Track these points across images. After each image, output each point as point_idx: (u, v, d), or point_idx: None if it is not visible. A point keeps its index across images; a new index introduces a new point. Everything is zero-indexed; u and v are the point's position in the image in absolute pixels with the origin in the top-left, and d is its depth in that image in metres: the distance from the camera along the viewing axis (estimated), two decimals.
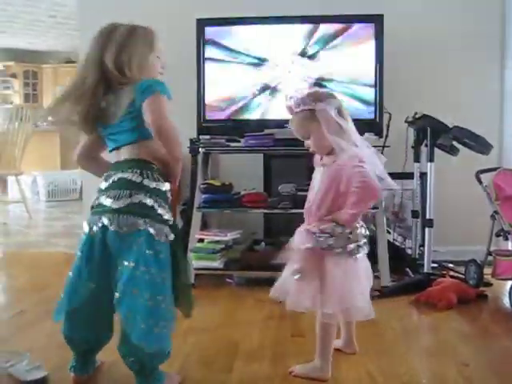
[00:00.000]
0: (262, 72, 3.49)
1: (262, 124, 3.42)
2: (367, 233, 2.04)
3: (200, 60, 3.49)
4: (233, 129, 3.45)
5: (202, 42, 3.48)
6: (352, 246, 1.95)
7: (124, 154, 1.83)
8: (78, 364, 1.94)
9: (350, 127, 2.00)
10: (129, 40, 1.84)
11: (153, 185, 1.79)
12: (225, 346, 2.30)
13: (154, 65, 1.90)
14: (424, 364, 2.17)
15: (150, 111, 1.74)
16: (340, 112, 1.98)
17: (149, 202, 1.77)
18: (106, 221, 1.76)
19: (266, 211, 3.45)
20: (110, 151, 1.89)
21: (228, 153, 3.59)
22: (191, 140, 3.50)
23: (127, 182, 1.77)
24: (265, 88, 3.49)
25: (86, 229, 1.84)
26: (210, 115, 3.51)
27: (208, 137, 3.44)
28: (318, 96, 1.99)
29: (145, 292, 1.73)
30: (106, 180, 1.84)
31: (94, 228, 1.80)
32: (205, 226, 3.53)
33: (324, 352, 1.99)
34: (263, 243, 3.47)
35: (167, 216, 1.82)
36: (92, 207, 1.85)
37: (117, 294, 1.75)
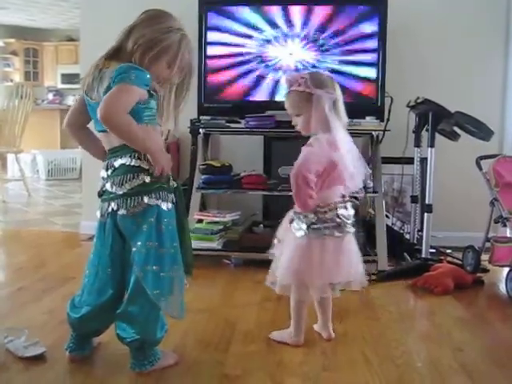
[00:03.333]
0: (264, 53, 3.46)
1: (263, 105, 3.40)
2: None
3: (202, 41, 3.47)
4: (234, 110, 3.44)
5: (204, 22, 3.46)
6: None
7: (114, 138, 1.81)
8: (74, 345, 1.96)
9: (338, 124, 2.04)
10: (161, 33, 1.82)
11: (149, 165, 1.81)
12: (222, 327, 2.31)
13: (160, 67, 1.84)
14: (419, 348, 2.18)
15: (105, 96, 1.70)
16: (335, 105, 2.04)
17: (150, 179, 1.81)
18: (114, 206, 1.82)
19: (265, 193, 3.45)
20: (98, 131, 1.88)
21: (228, 134, 3.58)
22: (191, 120, 3.49)
23: (127, 167, 1.80)
24: (266, 69, 3.47)
25: (98, 215, 1.90)
26: (210, 95, 3.50)
27: (208, 117, 3.43)
28: (320, 82, 2.04)
29: (165, 266, 1.82)
30: (106, 169, 1.86)
31: (105, 214, 1.86)
32: (204, 206, 3.53)
33: (294, 321, 2.12)
34: (262, 225, 3.48)
35: (169, 183, 1.87)
36: (100, 195, 1.89)
37: (141, 274, 1.80)
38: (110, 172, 1.84)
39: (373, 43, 3.39)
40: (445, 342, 2.19)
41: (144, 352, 1.86)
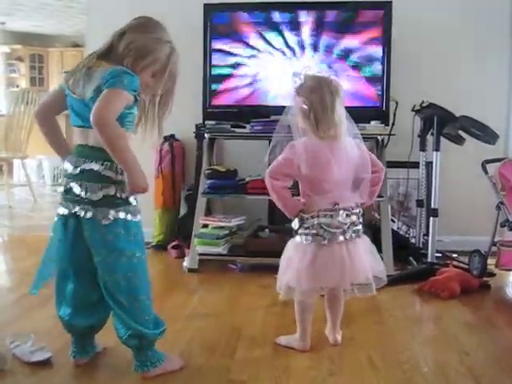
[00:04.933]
0: (269, 59, 3.47)
1: (268, 110, 3.40)
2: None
3: (206, 46, 3.48)
4: (239, 115, 3.44)
5: (208, 27, 3.47)
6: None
7: (92, 138, 1.79)
8: (77, 349, 1.97)
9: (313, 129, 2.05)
10: (153, 43, 1.83)
11: (120, 177, 1.79)
12: (227, 332, 2.31)
13: (146, 75, 1.84)
14: (425, 352, 2.17)
15: (99, 100, 1.68)
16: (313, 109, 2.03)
17: (119, 194, 1.80)
18: (80, 211, 1.80)
19: (270, 198, 3.43)
20: (75, 125, 1.85)
21: (233, 138, 3.58)
22: (197, 125, 3.49)
23: (97, 176, 1.78)
24: (272, 73, 3.47)
25: (60, 212, 1.87)
26: (215, 100, 3.51)
27: (213, 122, 3.43)
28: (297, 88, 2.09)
29: (138, 272, 1.84)
30: (74, 165, 1.82)
31: (68, 214, 1.84)
32: (209, 211, 3.54)
33: (299, 325, 2.13)
34: (267, 230, 3.48)
35: (135, 200, 1.86)
36: (64, 191, 1.86)
37: (110, 282, 1.81)
38: (77, 171, 1.80)
39: (378, 48, 3.39)
40: (451, 347, 2.18)
41: (145, 352, 1.87)
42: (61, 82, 1.89)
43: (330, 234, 2.03)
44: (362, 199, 2.12)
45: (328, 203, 2.04)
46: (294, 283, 2.04)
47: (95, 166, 1.78)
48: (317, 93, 2.03)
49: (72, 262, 1.88)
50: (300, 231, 2.07)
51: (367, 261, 2.08)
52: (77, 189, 1.80)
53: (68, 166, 1.85)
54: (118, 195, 1.79)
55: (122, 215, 1.80)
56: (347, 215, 2.05)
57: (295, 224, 2.09)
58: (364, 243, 2.12)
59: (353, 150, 2.08)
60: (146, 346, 1.87)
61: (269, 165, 2.11)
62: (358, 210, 2.10)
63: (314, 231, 2.04)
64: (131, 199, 1.83)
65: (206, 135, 3.45)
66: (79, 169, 1.80)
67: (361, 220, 2.12)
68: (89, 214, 1.78)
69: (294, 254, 2.08)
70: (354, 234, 2.07)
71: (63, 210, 1.86)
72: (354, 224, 2.07)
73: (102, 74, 1.74)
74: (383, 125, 3.34)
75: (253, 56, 3.48)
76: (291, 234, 2.14)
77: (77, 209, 1.80)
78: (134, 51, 1.80)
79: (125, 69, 1.77)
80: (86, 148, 1.82)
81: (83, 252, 1.84)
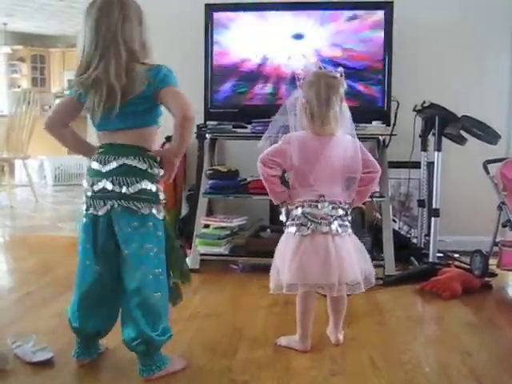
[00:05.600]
0: (270, 58, 3.47)
1: (270, 110, 3.39)
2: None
3: (208, 45, 3.48)
4: (240, 115, 3.44)
5: (210, 27, 3.47)
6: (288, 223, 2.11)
7: (119, 138, 1.82)
8: (80, 350, 1.97)
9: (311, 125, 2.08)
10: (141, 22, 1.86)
11: (155, 172, 1.84)
12: (229, 332, 2.31)
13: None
14: (427, 353, 2.17)
15: (174, 100, 1.75)
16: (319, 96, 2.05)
17: (153, 188, 1.83)
18: (114, 205, 1.79)
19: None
20: (99, 130, 1.87)
21: (235, 139, 3.58)
22: (198, 126, 3.49)
23: (133, 169, 1.80)
24: (273, 73, 3.47)
25: (88, 211, 1.86)
26: (217, 100, 3.51)
27: (215, 122, 3.43)
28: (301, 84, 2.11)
29: (164, 270, 1.87)
30: (104, 163, 1.82)
31: (100, 212, 1.83)
32: (211, 211, 3.54)
33: (299, 327, 2.12)
34: (269, 230, 3.48)
35: (163, 196, 1.90)
36: (91, 191, 1.85)
37: (139, 276, 1.81)
38: (107, 169, 1.81)
39: (379, 47, 3.39)
40: (453, 347, 2.18)
41: (151, 357, 1.86)
42: (72, 91, 1.89)
43: (313, 224, 2.02)
44: (350, 198, 2.11)
45: (313, 195, 2.05)
46: (278, 274, 2.05)
47: (128, 161, 1.80)
48: (314, 87, 2.05)
49: (95, 262, 1.87)
50: (288, 223, 2.10)
51: (355, 259, 2.05)
52: (109, 185, 1.80)
53: (95, 165, 1.85)
54: (151, 189, 1.82)
55: (154, 210, 1.83)
56: (333, 208, 2.05)
57: (283, 217, 2.12)
58: (353, 241, 2.10)
59: (348, 148, 2.08)
60: (153, 352, 1.86)
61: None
62: (346, 206, 2.09)
63: (298, 221, 2.05)
64: (161, 196, 1.86)
65: (207, 135, 3.45)
66: (110, 166, 1.81)
67: (349, 218, 2.10)
68: (121, 208, 1.79)
69: (281, 246, 2.10)
70: (340, 229, 2.04)
71: (91, 210, 1.85)
72: (340, 218, 2.06)
73: (146, 74, 1.75)
74: (384, 125, 3.34)
75: (254, 56, 3.48)
76: None
77: (110, 204, 1.80)
78: (146, 42, 1.84)
79: (167, 67, 1.80)
80: (114, 146, 1.83)
81: (110, 252, 1.85)
